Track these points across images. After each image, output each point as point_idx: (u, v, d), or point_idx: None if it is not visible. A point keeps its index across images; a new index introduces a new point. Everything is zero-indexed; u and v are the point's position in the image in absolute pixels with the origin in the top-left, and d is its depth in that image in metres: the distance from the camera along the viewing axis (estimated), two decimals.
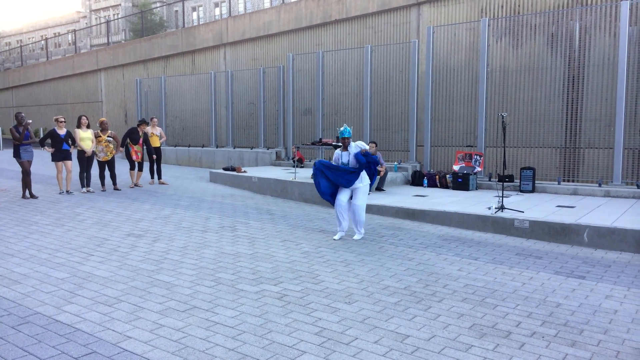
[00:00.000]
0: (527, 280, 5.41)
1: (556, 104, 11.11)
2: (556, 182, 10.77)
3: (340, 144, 8.32)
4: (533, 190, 10.57)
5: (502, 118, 8.47)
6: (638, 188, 9.79)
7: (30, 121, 10.51)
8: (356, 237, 7.26)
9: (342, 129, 7.21)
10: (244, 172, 13.14)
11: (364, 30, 15.51)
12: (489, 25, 11.48)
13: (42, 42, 50.55)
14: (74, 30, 43.42)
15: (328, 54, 14.78)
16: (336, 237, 7.25)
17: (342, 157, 7.27)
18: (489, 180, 11.46)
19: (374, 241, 7.16)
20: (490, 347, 3.75)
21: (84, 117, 11.05)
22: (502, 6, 12.66)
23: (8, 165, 15.60)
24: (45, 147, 10.78)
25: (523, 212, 8.11)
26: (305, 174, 12.03)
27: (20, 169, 10.43)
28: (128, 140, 12.16)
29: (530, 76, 11.43)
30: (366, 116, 13.51)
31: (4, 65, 44.22)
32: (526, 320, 4.27)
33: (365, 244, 6.96)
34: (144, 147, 12.54)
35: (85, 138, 10.89)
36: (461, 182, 11.09)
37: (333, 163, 7.34)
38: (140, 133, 12.28)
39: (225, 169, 13.97)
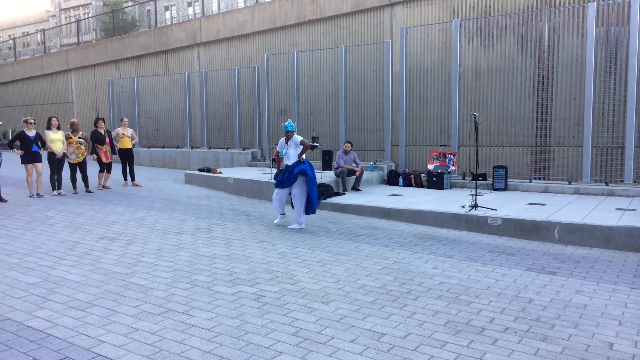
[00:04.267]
0: (500, 277, 5.51)
1: (527, 104, 11.34)
2: (528, 180, 10.99)
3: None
4: (505, 189, 10.77)
5: (475, 117, 8.60)
6: (606, 185, 10.06)
7: (1, 122, 10.23)
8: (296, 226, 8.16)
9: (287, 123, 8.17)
10: (220, 173, 13.05)
11: (338, 30, 15.56)
12: (460, 26, 11.66)
13: (10, 41, 49.28)
14: (43, 30, 42.46)
15: (303, 54, 14.78)
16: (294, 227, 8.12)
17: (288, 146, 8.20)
18: (463, 179, 11.63)
19: (350, 240, 7.19)
20: (465, 343, 3.81)
21: (54, 119, 10.81)
22: (474, 7, 12.86)
23: None
24: (15, 149, 10.52)
25: (496, 210, 8.26)
26: None
27: None
28: (96, 145, 11.76)
29: (501, 76, 11.64)
30: (341, 116, 13.56)
31: None
32: (499, 316, 4.36)
33: (342, 244, 6.99)
34: (111, 145, 12.12)
35: (56, 140, 10.67)
36: (436, 181, 11.22)
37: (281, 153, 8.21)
38: (102, 131, 11.92)
39: (200, 170, 13.85)
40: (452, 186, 11.44)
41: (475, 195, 8.64)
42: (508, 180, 10.90)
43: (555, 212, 8.01)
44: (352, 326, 4.10)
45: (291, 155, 8.01)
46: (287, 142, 8.09)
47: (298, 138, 8.04)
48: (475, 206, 8.34)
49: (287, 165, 8.05)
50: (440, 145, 12.27)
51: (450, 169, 11.51)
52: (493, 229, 7.75)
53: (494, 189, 10.80)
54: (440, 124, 12.39)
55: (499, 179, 10.81)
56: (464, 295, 4.89)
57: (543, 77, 11.21)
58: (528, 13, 11.48)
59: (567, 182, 10.54)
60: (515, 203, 9.07)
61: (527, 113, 11.35)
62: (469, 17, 12.83)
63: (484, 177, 11.17)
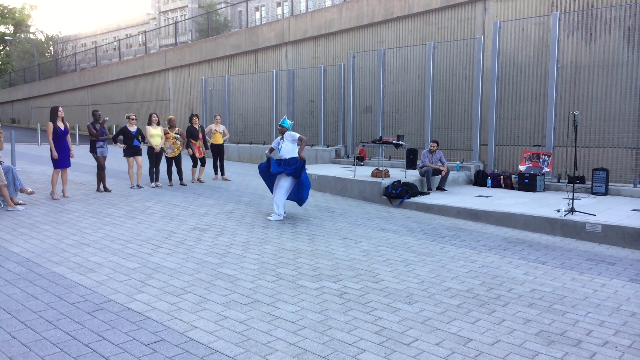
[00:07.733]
0: (599, 287, 5.15)
1: (632, 102, 10.49)
2: (631, 185, 10.17)
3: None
4: (606, 193, 10.04)
5: (574, 116, 8.10)
6: None
7: (107, 118, 11.06)
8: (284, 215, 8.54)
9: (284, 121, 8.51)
10: None
11: (427, 26, 15.25)
12: (559, 20, 11.00)
13: (115, 43, 53.15)
14: (144, 32, 45.40)
15: (389, 52, 14.65)
16: (272, 218, 8.36)
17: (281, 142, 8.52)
18: (558, 182, 10.98)
19: (434, 241, 7.04)
20: (559, 355, 3.60)
21: (154, 115, 11.52)
22: None
23: (83, 160, 16.52)
24: (118, 143, 11.33)
25: (595, 215, 7.72)
26: (365, 172, 12.01)
27: (95, 164, 11.02)
28: (190, 140, 12.34)
29: (604, 73, 10.85)
30: (428, 114, 13.29)
31: (80, 65, 46.87)
32: (598, 329, 4.08)
33: (426, 244, 6.86)
34: (204, 140, 12.65)
35: (155, 135, 11.35)
36: (528, 183, 10.70)
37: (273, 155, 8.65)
38: (197, 127, 12.46)
39: None
40: (546, 189, 10.85)
41: (572, 199, 8.13)
42: (609, 184, 10.15)
43: None
44: (437, 329, 4.01)
45: (286, 150, 8.35)
46: (282, 138, 8.43)
47: (295, 134, 8.33)
48: (572, 210, 7.85)
49: (283, 159, 8.38)
50: (534, 146, 11.66)
51: (543, 171, 10.92)
52: (591, 236, 7.26)
53: (593, 193, 10.11)
54: (534, 123, 11.78)
55: (598, 182, 10.10)
56: (558, 305, 4.62)
57: None
58: (636, 4, 10.59)
59: None
60: (617, 209, 8.43)
61: (632, 112, 10.49)
62: (569, 9, 12.07)
63: (581, 180, 10.48)
